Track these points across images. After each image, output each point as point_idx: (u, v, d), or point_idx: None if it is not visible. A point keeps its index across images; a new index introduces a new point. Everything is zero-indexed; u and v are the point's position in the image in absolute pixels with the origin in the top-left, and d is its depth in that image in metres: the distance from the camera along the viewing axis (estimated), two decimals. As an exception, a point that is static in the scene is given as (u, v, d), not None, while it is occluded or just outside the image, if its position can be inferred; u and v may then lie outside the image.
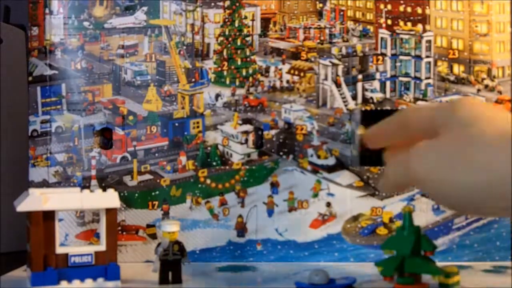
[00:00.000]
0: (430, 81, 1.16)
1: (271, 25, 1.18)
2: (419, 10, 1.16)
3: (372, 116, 0.83)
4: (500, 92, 1.15)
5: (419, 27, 1.16)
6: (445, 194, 0.51)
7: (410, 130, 0.61)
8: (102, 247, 0.95)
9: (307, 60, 1.16)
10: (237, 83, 1.16)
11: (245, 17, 1.17)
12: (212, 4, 1.16)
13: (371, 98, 1.16)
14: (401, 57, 1.17)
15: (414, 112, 0.62)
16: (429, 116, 0.59)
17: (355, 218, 1.14)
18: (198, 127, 1.15)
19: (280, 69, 1.16)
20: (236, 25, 1.16)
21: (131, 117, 1.15)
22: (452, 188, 0.50)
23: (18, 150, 1.26)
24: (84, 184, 1.13)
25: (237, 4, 1.16)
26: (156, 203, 1.14)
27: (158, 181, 1.14)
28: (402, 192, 0.77)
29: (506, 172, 0.47)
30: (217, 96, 1.16)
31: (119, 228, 1.12)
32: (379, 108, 1.16)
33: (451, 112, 0.55)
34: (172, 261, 0.96)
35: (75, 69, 1.14)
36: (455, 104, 0.57)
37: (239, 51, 1.16)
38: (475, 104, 0.57)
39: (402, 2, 1.16)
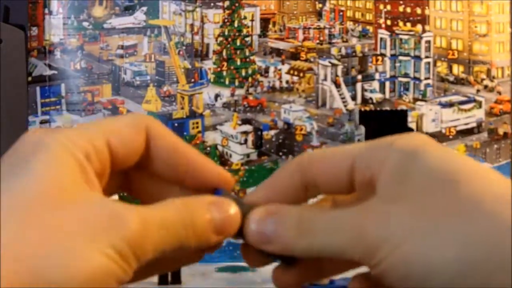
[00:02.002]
0: (430, 81, 1.16)
1: (270, 26, 1.18)
2: (419, 11, 1.16)
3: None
4: (499, 93, 1.15)
5: (419, 27, 1.16)
6: (415, 271, 0.36)
7: (309, 178, 0.43)
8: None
9: (306, 60, 1.16)
10: (237, 83, 1.16)
11: (245, 18, 1.17)
12: (212, 4, 1.16)
13: (371, 98, 1.16)
14: (400, 58, 1.17)
15: (320, 154, 0.43)
16: (348, 157, 0.41)
17: (355, 218, 1.14)
18: (197, 127, 1.15)
19: (280, 70, 1.16)
20: (236, 25, 1.16)
21: (130, 117, 1.15)
22: (427, 264, 0.35)
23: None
24: (84, 184, 1.13)
25: (237, 5, 1.16)
26: (156, 203, 1.14)
27: (157, 181, 1.14)
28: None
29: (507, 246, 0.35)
30: (217, 96, 1.16)
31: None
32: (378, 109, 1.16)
33: (406, 156, 0.38)
34: (171, 261, 0.96)
35: (74, 69, 1.14)
36: (407, 143, 0.39)
37: (238, 52, 1.17)
38: (442, 148, 0.39)
39: (401, 2, 1.16)
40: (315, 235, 0.40)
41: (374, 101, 1.16)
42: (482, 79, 1.16)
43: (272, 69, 1.17)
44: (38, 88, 1.14)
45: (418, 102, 1.16)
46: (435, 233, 0.36)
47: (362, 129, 1.14)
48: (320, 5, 1.18)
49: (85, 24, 1.15)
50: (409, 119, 1.15)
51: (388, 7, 1.16)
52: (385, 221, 0.37)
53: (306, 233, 0.40)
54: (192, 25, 1.17)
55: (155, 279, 0.96)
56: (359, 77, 1.17)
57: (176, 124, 1.15)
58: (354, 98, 1.16)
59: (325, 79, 1.16)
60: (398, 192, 0.38)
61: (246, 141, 1.15)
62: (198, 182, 0.43)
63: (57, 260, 0.34)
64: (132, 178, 0.44)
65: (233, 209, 0.41)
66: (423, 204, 0.37)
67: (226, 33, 1.17)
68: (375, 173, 0.39)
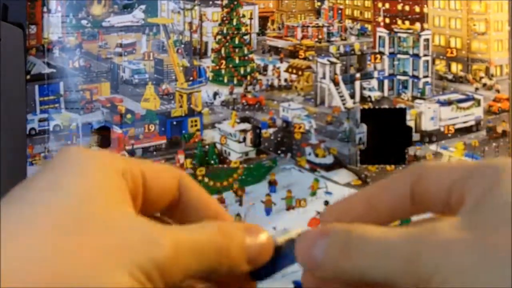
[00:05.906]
0: (428, 79, 1.16)
1: (269, 24, 1.18)
2: (417, 9, 1.16)
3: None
4: (498, 91, 1.15)
5: (417, 25, 1.16)
6: None
7: (417, 192, 0.38)
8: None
9: (305, 58, 1.16)
10: (235, 81, 1.16)
11: (243, 16, 1.17)
12: (210, 2, 1.16)
13: (369, 96, 1.16)
14: (399, 56, 1.17)
15: (433, 168, 0.38)
16: (457, 175, 0.37)
17: (353, 216, 1.14)
18: (196, 125, 1.15)
19: (278, 68, 1.16)
20: (234, 23, 1.16)
21: (129, 116, 1.15)
22: None
23: (16, 149, 1.26)
24: (82, 183, 1.13)
25: (235, 3, 1.16)
26: (154, 201, 1.14)
27: (156, 179, 1.14)
28: None
29: None
30: (215, 94, 1.16)
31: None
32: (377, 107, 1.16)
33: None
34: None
35: (73, 68, 1.14)
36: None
37: (237, 50, 1.17)
38: None
39: (400, 0, 1.16)
40: (361, 258, 0.36)
41: (373, 99, 1.16)
42: (481, 77, 1.16)
43: (270, 67, 1.17)
44: (36, 87, 1.14)
45: (417, 100, 1.16)
46: (491, 273, 0.32)
47: (364, 127, 1.14)
48: (319, 3, 1.18)
49: (84, 22, 1.15)
50: (408, 117, 1.15)
51: (387, 5, 1.16)
52: (444, 251, 0.34)
53: (351, 255, 0.36)
54: (190, 23, 1.17)
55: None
56: (358, 75, 1.17)
57: (174, 122, 1.15)
58: (352, 96, 1.16)
59: (323, 77, 1.16)
60: (474, 221, 0.34)
61: (244, 139, 1.15)
62: None
63: (81, 281, 0.33)
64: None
65: (266, 236, 0.39)
66: (489, 241, 0.33)
67: (225, 31, 1.17)
68: (465, 196, 0.36)
